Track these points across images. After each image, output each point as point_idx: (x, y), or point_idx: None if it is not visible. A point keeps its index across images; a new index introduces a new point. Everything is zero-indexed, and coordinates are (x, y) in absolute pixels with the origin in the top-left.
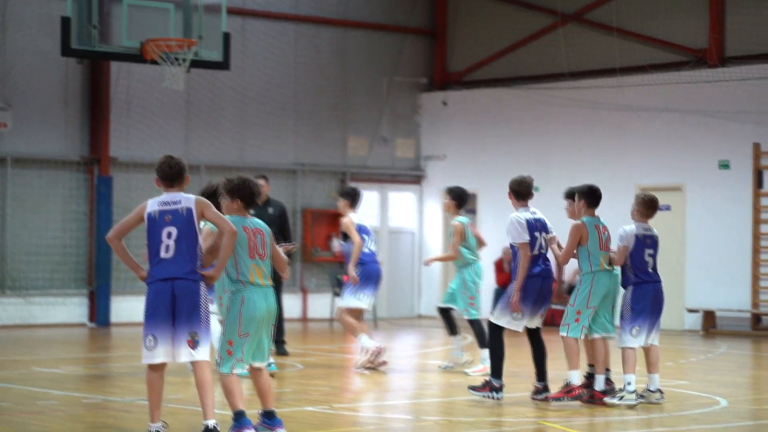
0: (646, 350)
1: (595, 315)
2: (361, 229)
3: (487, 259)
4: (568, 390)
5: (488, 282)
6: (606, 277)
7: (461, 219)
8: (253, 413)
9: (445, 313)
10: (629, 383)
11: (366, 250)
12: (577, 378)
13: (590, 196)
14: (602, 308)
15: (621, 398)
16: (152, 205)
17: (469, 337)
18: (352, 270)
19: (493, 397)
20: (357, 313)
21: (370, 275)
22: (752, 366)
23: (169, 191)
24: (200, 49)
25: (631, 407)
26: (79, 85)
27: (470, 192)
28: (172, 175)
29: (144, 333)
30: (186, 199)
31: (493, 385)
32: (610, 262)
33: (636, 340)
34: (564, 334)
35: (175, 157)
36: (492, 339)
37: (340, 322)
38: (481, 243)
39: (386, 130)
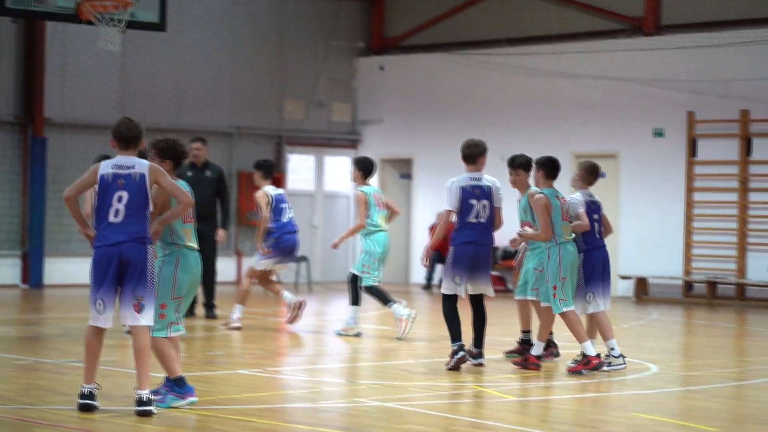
0: (598, 316)
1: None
2: (277, 200)
3: (423, 223)
4: (585, 362)
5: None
6: (571, 246)
7: (364, 189)
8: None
9: (353, 282)
10: (612, 348)
11: (284, 220)
12: (591, 349)
13: (549, 167)
14: (571, 278)
15: (609, 364)
16: (105, 167)
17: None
18: (259, 244)
19: (460, 359)
20: (266, 275)
21: (284, 246)
22: (683, 332)
23: (123, 154)
24: (136, 10)
25: (620, 371)
26: (13, 45)
27: (406, 157)
28: (128, 137)
29: (92, 297)
30: (140, 164)
31: (453, 350)
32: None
33: (591, 306)
34: (557, 312)
35: (133, 120)
36: (444, 307)
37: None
38: (393, 212)
39: (323, 94)
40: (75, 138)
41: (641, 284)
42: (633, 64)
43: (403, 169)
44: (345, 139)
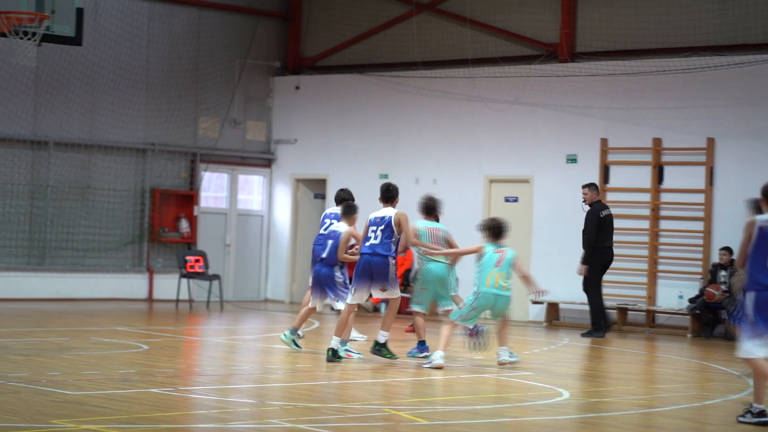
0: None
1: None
2: None
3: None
4: None
5: None
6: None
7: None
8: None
9: None
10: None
11: None
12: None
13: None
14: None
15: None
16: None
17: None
18: None
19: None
20: None
21: None
22: (594, 358)
23: None
24: (52, 23)
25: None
26: None
27: (321, 177)
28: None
29: None
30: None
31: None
32: None
33: None
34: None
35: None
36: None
37: None
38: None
39: (237, 113)
40: None
41: (552, 309)
42: (547, 90)
43: (318, 189)
44: (259, 158)
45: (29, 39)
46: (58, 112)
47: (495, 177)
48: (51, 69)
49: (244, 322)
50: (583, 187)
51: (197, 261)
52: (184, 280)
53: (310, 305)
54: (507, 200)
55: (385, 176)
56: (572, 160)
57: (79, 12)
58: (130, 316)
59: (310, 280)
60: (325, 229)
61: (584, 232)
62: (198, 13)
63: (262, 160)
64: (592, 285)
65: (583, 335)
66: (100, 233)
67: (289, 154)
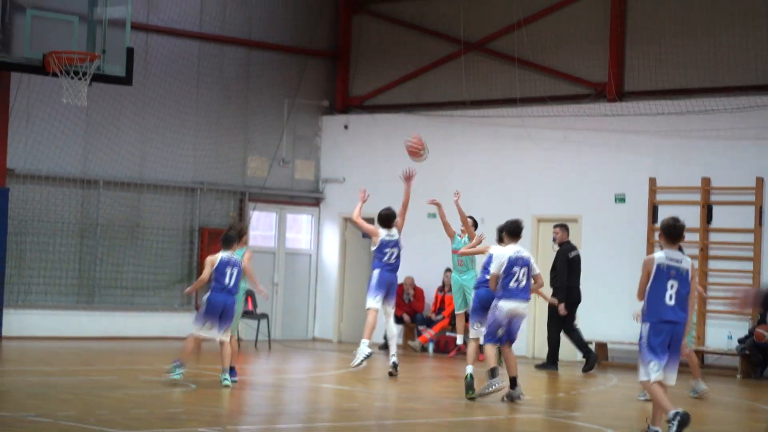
0: None
1: None
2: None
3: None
4: None
5: None
6: None
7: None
8: None
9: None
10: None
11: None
12: None
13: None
14: None
15: None
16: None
17: None
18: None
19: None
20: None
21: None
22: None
23: None
24: (103, 63)
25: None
26: None
27: (368, 216)
28: None
29: None
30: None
31: None
32: None
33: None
34: None
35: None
36: None
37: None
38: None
39: (286, 152)
40: (37, 189)
41: (601, 349)
42: (596, 129)
43: None
44: (307, 197)
45: (80, 79)
46: (107, 150)
47: (543, 216)
48: (101, 108)
49: (291, 362)
50: (555, 226)
51: (246, 300)
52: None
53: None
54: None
55: (433, 215)
56: (621, 199)
57: (129, 52)
58: (178, 355)
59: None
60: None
61: (552, 270)
62: (247, 53)
63: (311, 199)
64: (567, 322)
65: (537, 366)
66: (149, 272)
67: (338, 193)
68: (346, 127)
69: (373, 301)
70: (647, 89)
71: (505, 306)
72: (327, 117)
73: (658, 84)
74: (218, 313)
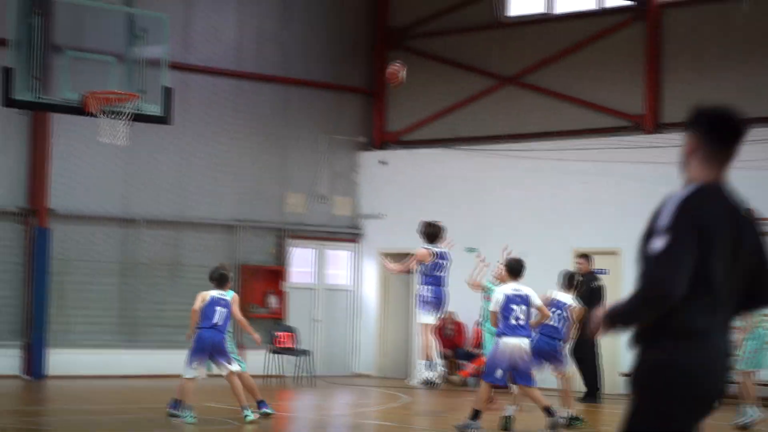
0: None
1: None
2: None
3: None
4: None
5: None
6: None
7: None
8: None
9: None
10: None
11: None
12: None
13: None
14: None
15: None
16: None
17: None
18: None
19: None
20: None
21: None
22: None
23: None
24: (141, 103)
25: None
26: (19, 135)
27: (408, 251)
28: None
29: None
30: None
31: None
32: None
33: None
34: None
35: None
36: None
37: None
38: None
39: (324, 188)
40: (79, 229)
41: None
42: (634, 161)
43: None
44: (346, 233)
45: (119, 119)
46: (147, 189)
47: (582, 249)
48: (140, 147)
49: (334, 397)
50: (577, 257)
51: (287, 336)
52: (273, 355)
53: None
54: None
55: (472, 249)
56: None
57: (168, 91)
58: (221, 392)
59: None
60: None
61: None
62: (284, 90)
63: (349, 235)
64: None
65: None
66: (190, 309)
67: (376, 229)
68: (383, 162)
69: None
70: (685, 120)
71: (507, 343)
72: (364, 152)
73: None
74: (207, 350)
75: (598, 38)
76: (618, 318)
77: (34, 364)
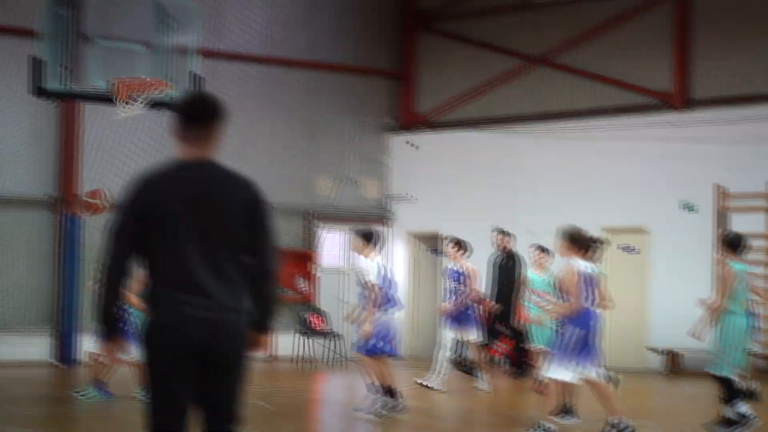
0: None
1: None
2: None
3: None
4: None
5: None
6: None
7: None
8: None
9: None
10: None
11: None
12: None
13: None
14: None
15: None
16: None
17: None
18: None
19: None
20: None
21: None
22: (717, 407)
23: None
24: (172, 90)
25: None
26: (50, 124)
27: (436, 232)
28: None
29: None
30: None
31: None
32: None
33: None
34: None
35: None
36: None
37: None
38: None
39: (353, 171)
40: (109, 217)
41: (673, 358)
42: (663, 138)
43: (434, 244)
44: (376, 215)
45: (149, 108)
46: None
47: (610, 227)
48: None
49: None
50: (497, 232)
51: (317, 319)
52: (303, 338)
53: None
54: (623, 249)
55: (501, 230)
56: (690, 208)
57: (197, 78)
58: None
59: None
60: None
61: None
62: (313, 74)
63: (379, 217)
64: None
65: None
66: None
67: (406, 211)
68: (412, 144)
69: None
70: (714, 97)
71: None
72: (393, 135)
73: (724, 91)
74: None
75: (627, 17)
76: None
77: (65, 351)
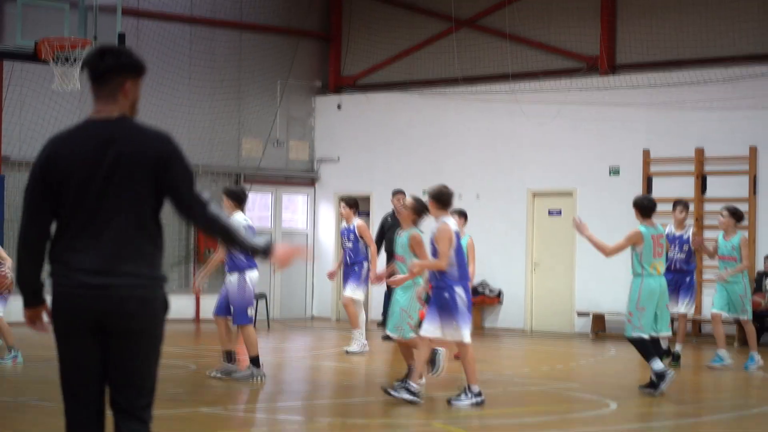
0: None
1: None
2: None
3: (380, 259)
4: None
5: None
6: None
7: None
8: None
9: None
10: None
11: None
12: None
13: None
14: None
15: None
16: None
17: None
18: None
19: None
20: None
21: None
22: (641, 369)
23: None
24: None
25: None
26: None
27: (364, 194)
28: None
29: None
30: None
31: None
32: None
33: None
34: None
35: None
36: None
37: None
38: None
39: (280, 132)
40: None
41: (598, 320)
42: (589, 103)
43: (361, 206)
44: (302, 177)
45: (71, 65)
46: None
47: (538, 190)
48: None
49: (291, 340)
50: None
51: None
52: None
53: None
54: (550, 213)
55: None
56: (615, 172)
57: (121, 37)
58: (177, 337)
59: None
60: None
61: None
62: (239, 35)
63: (306, 178)
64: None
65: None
66: None
67: (332, 173)
68: (339, 106)
69: None
70: (639, 62)
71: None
72: (320, 97)
73: (650, 56)
74: None
75: None
76: None
77: None
